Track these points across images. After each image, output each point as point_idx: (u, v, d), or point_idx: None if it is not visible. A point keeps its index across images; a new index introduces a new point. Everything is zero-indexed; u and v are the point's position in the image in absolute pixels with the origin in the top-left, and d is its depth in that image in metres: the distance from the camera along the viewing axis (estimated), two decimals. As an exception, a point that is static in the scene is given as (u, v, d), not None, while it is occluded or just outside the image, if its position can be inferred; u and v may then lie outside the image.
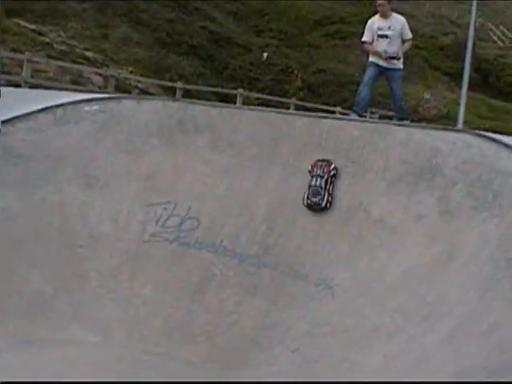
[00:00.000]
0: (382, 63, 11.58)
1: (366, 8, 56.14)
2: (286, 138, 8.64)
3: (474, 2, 27.20)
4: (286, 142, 8.62)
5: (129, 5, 34.42)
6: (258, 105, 27.31)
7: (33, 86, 18.83)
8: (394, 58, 11.49)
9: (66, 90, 18.75)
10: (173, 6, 36.52)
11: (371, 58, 11.75)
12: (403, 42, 11.66)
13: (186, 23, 35.49)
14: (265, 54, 37.37)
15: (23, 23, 27.39)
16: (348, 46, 44.34)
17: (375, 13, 11.81)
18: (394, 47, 11.50)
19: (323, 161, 8.36)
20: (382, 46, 11.52)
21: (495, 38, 71.91)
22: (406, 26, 11.67)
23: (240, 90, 26.13)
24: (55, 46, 26.73)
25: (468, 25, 28.85)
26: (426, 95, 43.34)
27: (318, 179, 8.72)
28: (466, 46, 26.87)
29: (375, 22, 11.67)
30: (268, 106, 29.17)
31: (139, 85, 25.87)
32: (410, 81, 46.48)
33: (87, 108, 9.33)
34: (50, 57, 24.06)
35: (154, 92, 25.90)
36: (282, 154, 8.55)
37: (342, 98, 33.90)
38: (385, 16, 11.58)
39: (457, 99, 31.31)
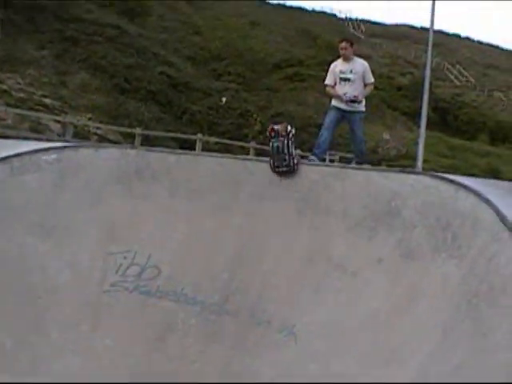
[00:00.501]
0: (343, 106, 11.63)
1: (323, 50, 56.92)
2: (245, 184, 8.63)
3: (430, 42, 27.61)
4: (245, 189, 8.60)
5: (87, 51, 34.47)
6: (218, 149, 27.38)
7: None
8: (354, 101, 11.54)
9: (25, 138, 18.67)
10: (131, 52, 36.62)
11: (333, 102, 11.80)
12: (365, 85, 11.73)
13: (145, 69, 35.59)
14: (224, 99, 37.54)
15: (-22, 71, 27.37)
16: (306, 89, 44.69)
17: (338, 56, 11.90)
18: (355, 90, 11.56)
19: (279, 123, 8.43)
20: (343, 89, 11.58)
21: (452, 77, 73.07)
22: (368, 69, 11.75)
23: (199, 135, 26.13)
24: (13, 93, 26.66)
25: (425, 65, 29.24)
26: (385, 135, 43.72)
27: (279, 144, 8.82)
28: (423, 86, 27.22)
29: (338, 65, 11.76)
30: (228, 150, 29.36)
31: (98, 131, 25.83)
32: (368, 121, 46.83)
33: (45, 157, 9.22)
34: (8, 104, 24.00)
35: (112, 138, 25.85)
36: (241, 200, 8.53)
37: (300, 141, 33.98)
38: (347, 59, 11.67)
39: (415, 138, 31.67)
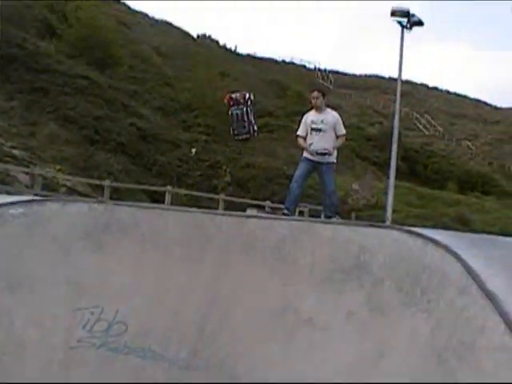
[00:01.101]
0: (313, 158, 11.69)
1: (293, 101, 57.42)
2: (213, 238, 8.61)
3: (399, 93, 27.93)
4: (213, 243, 8.57)
5: (56, 102, 34.52)
6: (187, 201, 27.38)
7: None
8: (323, 154, 11.59)
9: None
10: (101, 103, 36.72)
11: (304, 153, 11.84)
12: (337, 137, 11.80)
13: (114, 120, 35.66)
14: (193, 150, 37.65)
15: None
16: (276, 139, 44.96)
17: (311, 108, 12.01)
18: (326, 142, 11.63)
19: (237, 92, 8.44)
20: (314, 139, 11.65)
21: (420, 127, 74.07)
22: (340, 121, 11.85)
23: (168, 187, 26.12)
24: (-19, 144, 26.58)
25: (393, 114, 29.53)
26: (355, 186, 43.98)
27: (239, 112, 8.82)
28: (392, 136, 27.45)
29: (309, 115, 11.88)
30: (197, 201, 29.37)
31: (67, 183, 25.72)
32: (338, 172, 46.77)
33: (11, 211, 9.16)
34: (-25, 156, 23.92)
35: (82, 190, 25.77)
36: (209, 255, 8.50)
37: (271, 192, 34.22)
38: (319, 110, 11.79)
39: (385, 188, 31.86)
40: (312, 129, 11.71)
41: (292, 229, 8.34)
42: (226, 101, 9.74)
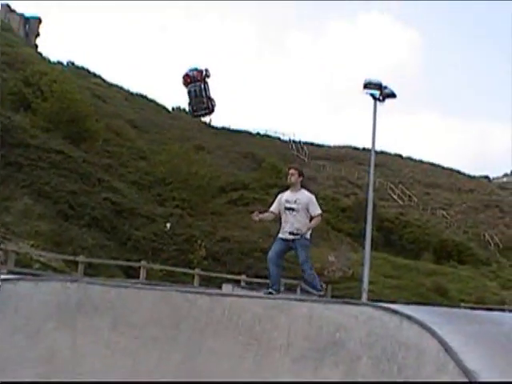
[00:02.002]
0: (287, 237, 11.68)
1: (268, 173, 57.66)
2: (187, 317, 8.53)
3: (372, 163, 28.07)
4: (187, 322, 8.49)
5: (31, 176, 34.41)
6: (163, 276, 27.24)
7: None
8: (296, 234, 11.55)
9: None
10: (75, 178, 36.66)
11: (279, 234, 11.86)
12: (312, 217, 11.75)
13: (89, 194, 35.58)
14: (168, 224, 37.56)
15: None
16: (251, 212, 44.96)
17: (287, 188, 12.04)
18: (298, 222, 11.61)
19: (195, 70, 8.51)
20: (287, 218, 11.66)
21: (395, 197, 74.41)
22: (314, 201, 11.82)
23: (143, 263, 25.95)
24: (-46, 219, 26.41)
25: (367, 185, 29.70)
26: (331, 258, 43.97)
27: (196, 88, 8.82)
28: (366, 207, 27.54)
29: (284, 195, 11.90)
30: (172, 276, 29.21)
31: (41, 258, 25.52)
32: (313, 244, 46.96)
33: (-17, 290, 9.07)
34: None
35: (56, 266, 25.57)
36: (183, 334, 8.41)
37: (246, 266, 34.12)
38: (294, 189, 11.84)
39: (361, 260, 31.83)
40: (286, 208, 11.73)
41: (267, 307, 8.28)
42: (183, 80, 9.84)
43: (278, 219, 12.03)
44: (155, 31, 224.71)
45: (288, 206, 11.68)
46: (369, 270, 26.81)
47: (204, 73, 10.23)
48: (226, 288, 12.27)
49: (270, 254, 11.83)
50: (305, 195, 11.85)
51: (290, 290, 27.19)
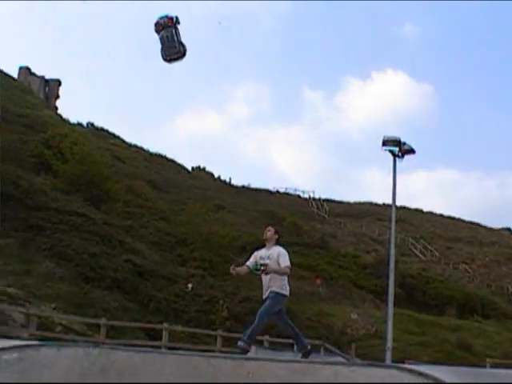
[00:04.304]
0: (265, 295, 12.12)
1: (289, 232, 57.52)
2: (211, 381, 8.45)
3: (393, 219, 27.96)
4: (211, 386, 8.42)
5: (52, 239, 34.53)
6: (185, 337, 27.09)
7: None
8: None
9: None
10: (96, 240, 36.73)
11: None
12: None
13: (110, 257, 35.60)
14: (189, 285, 37.42)
15: None
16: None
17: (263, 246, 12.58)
18: (272, 278, 12.01)
19: (165, 17, 8.70)
20: (262, 274, 12.05)
21: (417, 252, 74.02)
22: (283, 254, 12.17)
23: (165, 325, 25.82)
24: (-24, 283, 26.48)
25: (389, 241, 29.52)
26: (353, 315, 43.71)
27: (168, 34, 8.95)
28: (388, 264, 27.32)
29: (260, 251, 12.46)
30: (195, 338, 29.03)
31: (62, 322, 25.46)
32: (336, 302, 47.02)
33: (5, 357, 9.00)
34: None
35: (77, 329, 25.51)
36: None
37: (269, 326, 33.77)
38: (268, 245, 12.37)
39: (384, 317, 31.56)
40: (261, 264, 12.07)
41: (291, 371, 8.20)
42: (155, 28, 10.12)
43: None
44: (173, 93, 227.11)
45: (262, 262, 12.09)
46: (392, 328, 26.58)
47: (174, 19, 10.53)
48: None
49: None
50: (276, 250, 12.23)
51: (314, 350, 26.93)
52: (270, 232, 12.42)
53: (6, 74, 79.81)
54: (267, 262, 12.00)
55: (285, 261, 12.08)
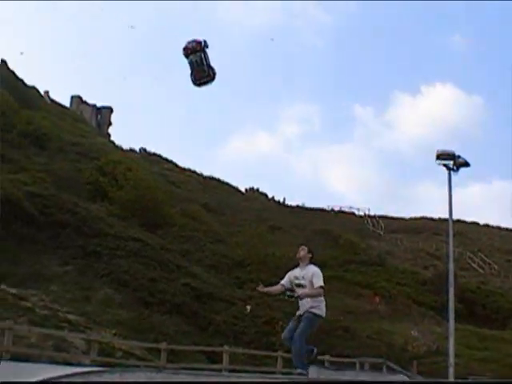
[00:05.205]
0: (298, 313, 12.16)
1: (345, 250, 57.33)
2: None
3: (451, 234, 27.59)
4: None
5: (110, 266, 34.82)
6: (245, 359, 26.96)
7: (14, 355, 18.59)
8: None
9: (49, 357, 18.51)
10: (154, 265, 36.92)
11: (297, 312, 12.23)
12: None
13: (168, 281, 35.75)
14: (248, 307, 37.29)
15: (4, 288, 27.50)
16: (330, 290, 44.49)
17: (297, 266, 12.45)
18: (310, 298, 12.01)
19: (193, 41, 8.79)
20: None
21: (475, 266, 72.87)
22: (317, 273, 12.12)
23: (225, 348, 25.71)
24: (37, 310, 26.70)
25: (447, 256, 29.13)
26: (414, 333, 43.25)
27: (197, 58, 8.99)
28: (447, 279, 26.93)
29: (294, 271, 12.39)
30: (255, 359, 28.86)
31: (123, 347, 25.54)
32: (395, 319, 46.48)
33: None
34: (32, 322, 24.00)
35: (138, 354, 25.56)
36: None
37: (329, 345, 33.51)
38: (302, 264, 12.29)
39: (445, 333, 31.10)
40: (296, 285, 12.17)
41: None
42: (183, 52, 10.17)
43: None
44: (223, 115, 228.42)
45: (297, 282, 12.16)
46: (454, 344, 26.14)
47: (203, 43, 10.59)
48: (312, 370, 12.02)
49: (284, 333, 12.29)
50: (310, 270, 12.17)
51: (375, 369, 26.64)
52: (303, 251, 12.35)
53: (59, 104, 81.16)
54: (302, 282, 12.02)
55: (318, 281, 12.03)
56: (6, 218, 32.49)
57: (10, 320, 20.47)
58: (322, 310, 12.13)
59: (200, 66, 10.44)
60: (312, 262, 12.34)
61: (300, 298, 11.94)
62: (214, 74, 10.23)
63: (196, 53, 10.89)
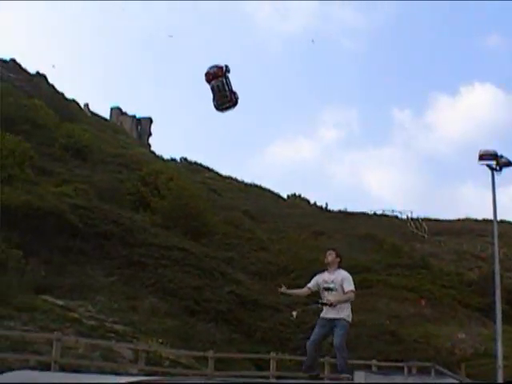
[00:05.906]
0: (327, 315, 12.10)
1: (389, 254, 57.00)
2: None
3: (495, 235, 27.29)
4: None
5: (155, 275, 35.01)
6: (292, 366, 26.84)
7: (62, 365, 18.77)
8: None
9: (96, 367, 18.64)
10: (198, 273, 37.03)
11: (321, 313, 12.27)
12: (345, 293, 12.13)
13: (213, 289, 35.82)
14: (294, 313, 37.11)
15: (51, 299, 27.76)
16: (375, 294, 44.29)
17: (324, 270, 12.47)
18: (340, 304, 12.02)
19: (215, 67, 8.90)
20: (326, 298, 12.09)
21: (520, 266, 72.04)
22: (347, 278, 12.16)
23: (272, 354, 25.59)
24: (84, 321, 26.87)
25: (492, 257, 28.84)
26: (461, 335, 42.88)
27: (219, 84, 9.06)
28: (493, 280, 26.67)
29: (323, 275, 12.38)
30: (302, 366, 28.70)
31: (170, 356, 25.60)
32: (442, 322, 46.10)
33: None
34: (79, 332, 24.18)
35: (185, 362, 25.63)
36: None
37: (376, 350, 33.36)
38: (331, 269, 12.28)
39: (492, 334, 30.77)
40: (324, 288, 12.17)
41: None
42: (205, 78, 10.23)
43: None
44: (262, 122, 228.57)
45: (326, 286, 12.14)
46: (502, 346, 25.84)
47: (224, 68, 10.64)
48: (358, 376, 11.98)
49: (311, 339, 12.31)
50: (340, 274, 12.20)
51: (423, 373, 26.42)
52: (331, 256, 12.34)
53: (99, 116, 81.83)
54: (331, 286, 12.03)
55: (349, 286, 12.06)
56: (51, 230, 32.90)
57: (58, 331, 20.66)
58: (350, 317, 12.18)
59: (222, 91, 10.51)
60: (340, 266, 12.35)
61: (333, 305, 11.91)
62: (237, 98, 10.27)
63: (218, 78, 10.97)
